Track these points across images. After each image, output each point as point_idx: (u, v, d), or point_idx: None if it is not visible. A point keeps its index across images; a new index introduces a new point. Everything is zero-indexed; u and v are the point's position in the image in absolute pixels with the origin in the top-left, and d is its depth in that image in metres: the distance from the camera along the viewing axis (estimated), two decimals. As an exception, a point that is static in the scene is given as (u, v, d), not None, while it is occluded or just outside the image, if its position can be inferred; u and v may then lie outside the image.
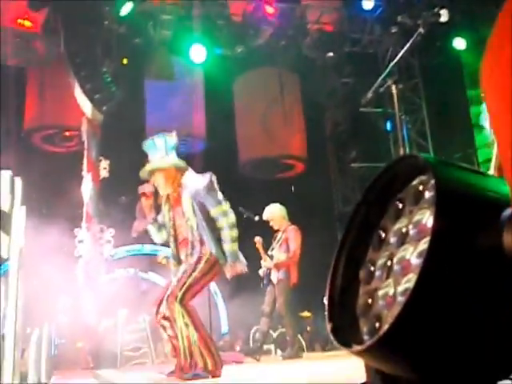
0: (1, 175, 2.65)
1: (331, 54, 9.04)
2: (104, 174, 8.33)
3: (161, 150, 3.90)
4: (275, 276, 6.40)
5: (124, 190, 9.36)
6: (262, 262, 6.50)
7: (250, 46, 8.84)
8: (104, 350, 7.94)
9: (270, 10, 8.69)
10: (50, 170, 8.35)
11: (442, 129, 9.11)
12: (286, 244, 6.42)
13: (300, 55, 9.38)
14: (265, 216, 6.55)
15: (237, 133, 10.14)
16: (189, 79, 9.49)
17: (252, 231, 9.15)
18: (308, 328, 9.52)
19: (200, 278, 3.70)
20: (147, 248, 10.03)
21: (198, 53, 8.56)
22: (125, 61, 9.04)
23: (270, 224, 6.57)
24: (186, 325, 3.60)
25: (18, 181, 3.08)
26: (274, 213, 6.51)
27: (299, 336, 9.00)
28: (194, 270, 3.70)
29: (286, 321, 6.51)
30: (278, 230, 6.59)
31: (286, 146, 9.94)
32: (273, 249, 6.53)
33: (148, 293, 9.50)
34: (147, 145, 3.97)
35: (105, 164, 8.31)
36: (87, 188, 8.01)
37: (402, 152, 5.41)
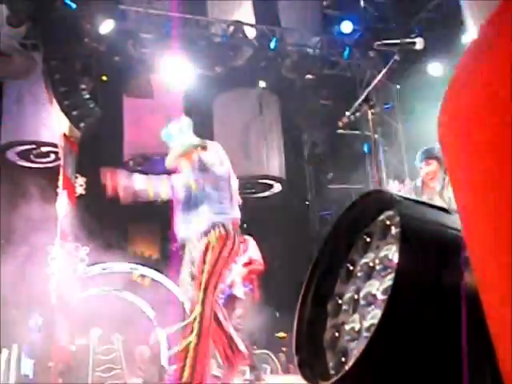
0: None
1: (310, 76, 9.14)
2: (80, 191, 8.25)
3: (177, 135, 3.90)
4: (241, 290, 6.04)
5: (100, 208, 9.28)
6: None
7: (230, 67, 8.90)
8: (75, 370, 7.79)
9: (250, 31, 8.79)
10: (26, 186, 8.24)
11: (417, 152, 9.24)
12: (245, 255, 6.10)
13: (279, 76, 9.48)
14: None
15: (215, 152, 10.14)
16: (168, 98, 9.49)
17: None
18: (284, 349, 9.48)
19: (212, 270, 3.62)
20: (122, 266, 9.92)
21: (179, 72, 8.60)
22: (104, 78, 9.04)
23: None
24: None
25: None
26: None
27: (273, 357, 8.97)
28: (204, 263, 3.63)
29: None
30: None
31: (264, 167, 9.98)
32: None
33: (122, 312, 9.40)
34: (164, 134, 3.99)
35: (81, 181, 8.23)
36: (62, 205, 7.91)
37: (376, 175, 5.48)
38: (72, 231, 7.94)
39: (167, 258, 10.41)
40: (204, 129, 9.99)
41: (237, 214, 3.86)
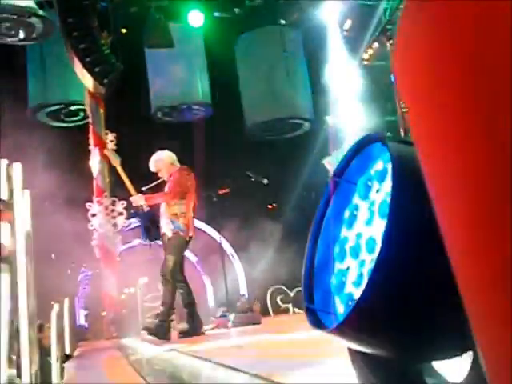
0: (-1, 164, 2.68)
1: (331, 8, 8.83)
2: (111, 146, 8.34)
3: None
4: (169, 228, 5.06)
5: (133, 161, 9.41)
6: (131, 198, 5.31)
7: (248, 6, 8.68)
8: (126, 318, 8.16)
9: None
10: (58, 146, 8.40)
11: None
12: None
13: (300, 12, 9.21)
14: (152, 167, 5.39)
15: (241, 95, 10.05)
16: (189, 45, 9.37)
17: (261, 195, 9.21)
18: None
19: None
20: (161, 216, 10.13)
21: (196, 18, 8.45)
22: (123, 31, 8.96)
23: (159, 175, 5.40)
24: None
25: (18, 166, 3.12)
26: (163, 160, 5.33)
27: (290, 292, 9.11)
28: None
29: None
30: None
31: (291, 106, 9.85)
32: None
33: (165, 260, 9.67)
34: None
35: (111, 137, 8.31)
36: (95, 162, 8.06)
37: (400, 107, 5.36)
38: (108, 186, 8.12)
39: (204, 206, 10.57)
40: (228, 72, 9.90)
41: None
